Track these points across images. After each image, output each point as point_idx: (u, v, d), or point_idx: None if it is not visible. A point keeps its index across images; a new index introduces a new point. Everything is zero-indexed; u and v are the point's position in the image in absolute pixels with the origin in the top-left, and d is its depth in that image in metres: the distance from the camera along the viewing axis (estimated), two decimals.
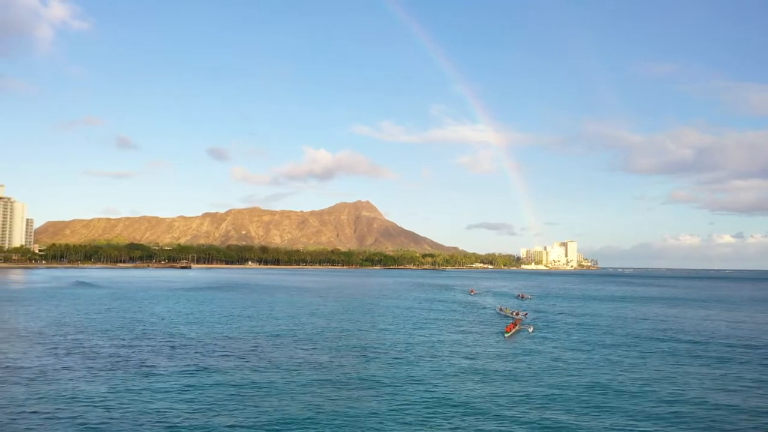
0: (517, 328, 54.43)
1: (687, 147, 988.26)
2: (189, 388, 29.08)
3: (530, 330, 54.62)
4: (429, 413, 25.28)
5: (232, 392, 28.49)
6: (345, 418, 24.34)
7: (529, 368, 36.20)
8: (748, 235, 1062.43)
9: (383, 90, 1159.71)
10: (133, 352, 39.47)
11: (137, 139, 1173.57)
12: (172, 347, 42.09)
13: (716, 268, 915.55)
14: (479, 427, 23.41)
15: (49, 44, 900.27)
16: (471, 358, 39.54)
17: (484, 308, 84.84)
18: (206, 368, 34.35)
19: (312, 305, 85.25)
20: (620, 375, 34.64)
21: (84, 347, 41.31)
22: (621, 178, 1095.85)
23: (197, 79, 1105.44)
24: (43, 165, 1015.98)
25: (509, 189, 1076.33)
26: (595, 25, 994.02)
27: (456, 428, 23.46)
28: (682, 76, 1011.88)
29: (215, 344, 43.78)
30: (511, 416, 24.98)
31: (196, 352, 39.94)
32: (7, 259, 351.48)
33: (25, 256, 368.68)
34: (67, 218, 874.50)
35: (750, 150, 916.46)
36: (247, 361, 36.81)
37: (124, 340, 45.35)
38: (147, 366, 34.73)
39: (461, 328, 57.79)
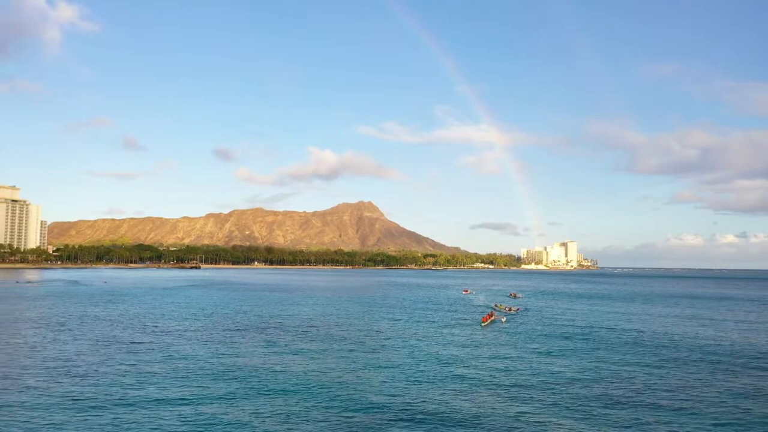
0: (492, 318, 68.43)
1: (691, 147, 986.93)
2: (267, 354, 43.72)
3: (503, 320, 68.66)
4: (417, 379, 39.45)
5: (300, 356, 43.13)
6: (365, 378, 38.97)
7: (494, 349, 50.39)
8: (751, 235, 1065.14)
9: (387, 91, 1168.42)
10: (213, 333, 54.16)
11: (144, 140, 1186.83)
12: (239, 330, 56.77)
13: (719, 268, 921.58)
14: (452, 386, 37.70)
15: (58, 46, 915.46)
16: (452, 339, 53.88)
17: (473, 305, 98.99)
18: (274, 342, 49.29)
19: (330, 302, 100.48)
20: (564, 355, 48.72)
21: (176, 330, 56.01)
22: (625, 178, 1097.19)
23: (204, 81, 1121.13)
24: (50, 166, 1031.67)
25: (513, 189, 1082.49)
26: (599, 25, 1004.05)
27: (437, 385, 37.75)
28: (686, 76, 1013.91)
29: (271, 328, 58.30)
30: (476, 380, 39.05)
31: (259, 333, 54.50)
32: (23, 260, 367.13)
33: (40, 257, 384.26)
34: (73, 219, 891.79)
35: (754, 149, 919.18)
36: (302, 336, 51.50)
37: (197, 325, 59.92)
38: (232, 341, 49.56)
39: (449, 318, 72.18)
